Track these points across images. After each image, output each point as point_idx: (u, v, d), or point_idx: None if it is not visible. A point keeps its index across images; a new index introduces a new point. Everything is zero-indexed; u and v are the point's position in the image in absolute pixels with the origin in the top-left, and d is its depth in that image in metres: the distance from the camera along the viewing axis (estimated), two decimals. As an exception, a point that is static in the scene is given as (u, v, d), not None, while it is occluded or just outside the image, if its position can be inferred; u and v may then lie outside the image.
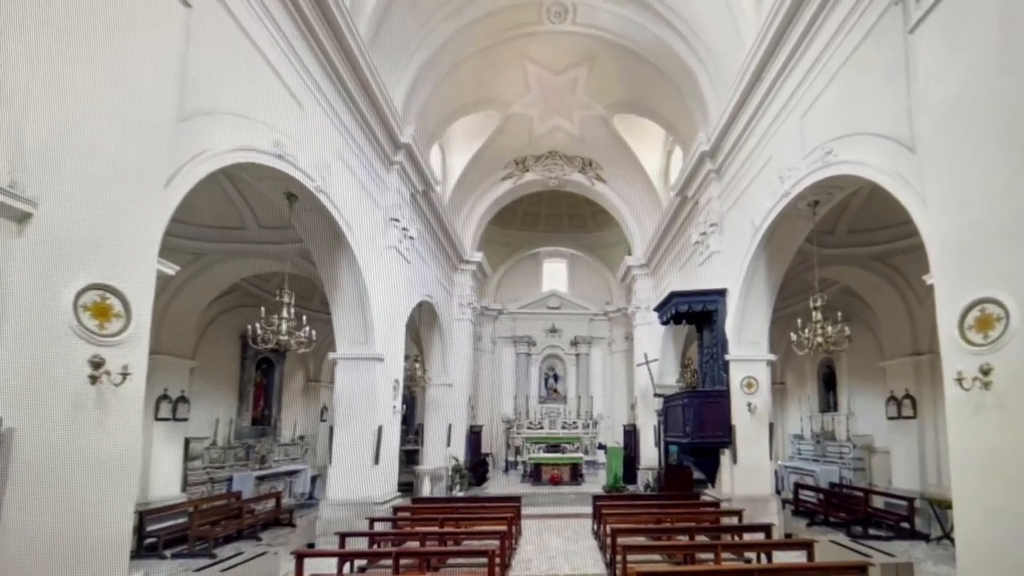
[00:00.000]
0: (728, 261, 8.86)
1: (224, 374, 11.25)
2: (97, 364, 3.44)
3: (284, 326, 6.59)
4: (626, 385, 18.10)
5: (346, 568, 6.65)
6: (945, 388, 4.11)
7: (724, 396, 8.71)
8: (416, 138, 9.43)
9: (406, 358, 10.41)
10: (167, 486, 9.26)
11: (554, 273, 20.68)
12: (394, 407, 9.36)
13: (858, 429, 11.80)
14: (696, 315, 9.36)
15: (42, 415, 3.22)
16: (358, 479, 8.36)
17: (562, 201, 18.13)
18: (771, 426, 8.83)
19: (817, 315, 6.69)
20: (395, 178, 9.33)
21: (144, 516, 8.29)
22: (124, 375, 3.60)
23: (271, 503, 10.75)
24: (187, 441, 9.92)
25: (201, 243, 8.73)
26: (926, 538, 8.66)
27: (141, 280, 3.84)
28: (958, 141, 4.05)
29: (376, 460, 8.60)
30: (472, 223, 15.08)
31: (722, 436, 8.70)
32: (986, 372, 3.72)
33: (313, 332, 6.82)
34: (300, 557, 6.07)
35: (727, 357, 8.73)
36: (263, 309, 6.62)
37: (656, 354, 13.50)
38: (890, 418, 10.25)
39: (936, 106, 4.28)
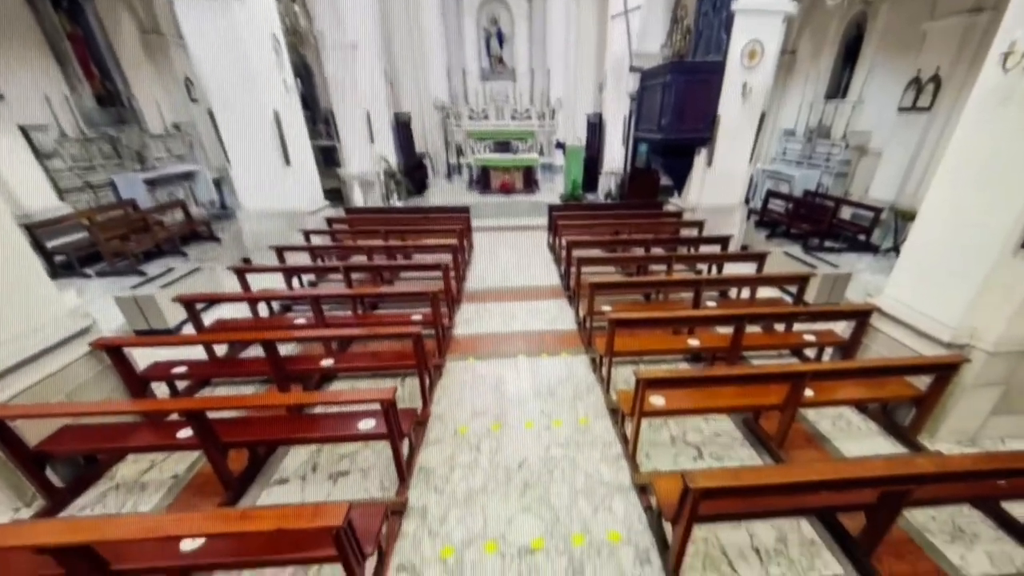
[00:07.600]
0: None
1: (13, 24, 8.67)
2: None
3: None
4: (595, 55, 14.80)
5: (295, 283, 6.76)
6: (984, 68, 3.52)
7: (716, 72, 7.72)
8: None
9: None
10: (39, 196, 8.52)
11: None
12: (284, 81, 7.59)
13: (859, 124, 11.22)
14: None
15: None
16: (271, 184, 7.67)
17: None
18: (762, 117, 8.25)
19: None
20: None
21: (33, 231, 7.99)
22: None
23: (179, 214, 10.28)
24: (25, 132, 8.49)
25: None
26: (876, 250, 9.30)
27: None
28: None
29: (286, 160, 7.59)
30: None
31: (702, 130, 8.16)
32: (1050, 45, 2.96)
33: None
34: (240, 273, 6.05)
35: (734, 7, 7.27)
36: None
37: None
38: (901, 109, 9.62)
39: None
